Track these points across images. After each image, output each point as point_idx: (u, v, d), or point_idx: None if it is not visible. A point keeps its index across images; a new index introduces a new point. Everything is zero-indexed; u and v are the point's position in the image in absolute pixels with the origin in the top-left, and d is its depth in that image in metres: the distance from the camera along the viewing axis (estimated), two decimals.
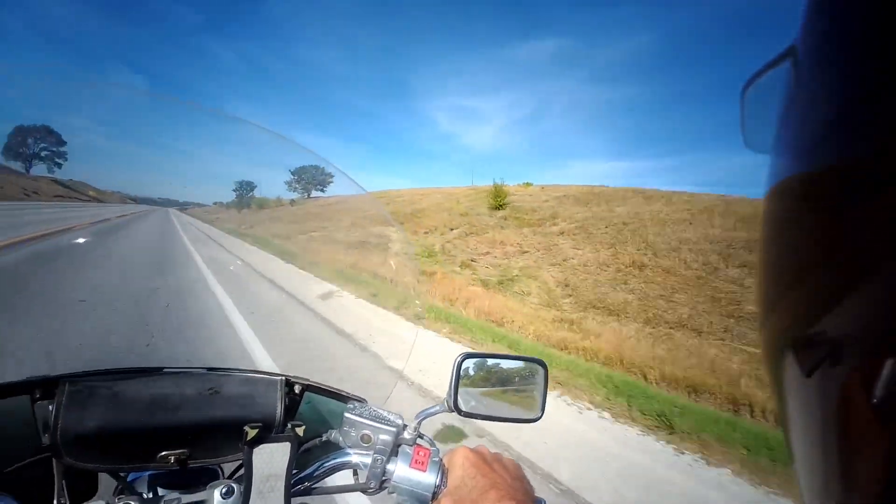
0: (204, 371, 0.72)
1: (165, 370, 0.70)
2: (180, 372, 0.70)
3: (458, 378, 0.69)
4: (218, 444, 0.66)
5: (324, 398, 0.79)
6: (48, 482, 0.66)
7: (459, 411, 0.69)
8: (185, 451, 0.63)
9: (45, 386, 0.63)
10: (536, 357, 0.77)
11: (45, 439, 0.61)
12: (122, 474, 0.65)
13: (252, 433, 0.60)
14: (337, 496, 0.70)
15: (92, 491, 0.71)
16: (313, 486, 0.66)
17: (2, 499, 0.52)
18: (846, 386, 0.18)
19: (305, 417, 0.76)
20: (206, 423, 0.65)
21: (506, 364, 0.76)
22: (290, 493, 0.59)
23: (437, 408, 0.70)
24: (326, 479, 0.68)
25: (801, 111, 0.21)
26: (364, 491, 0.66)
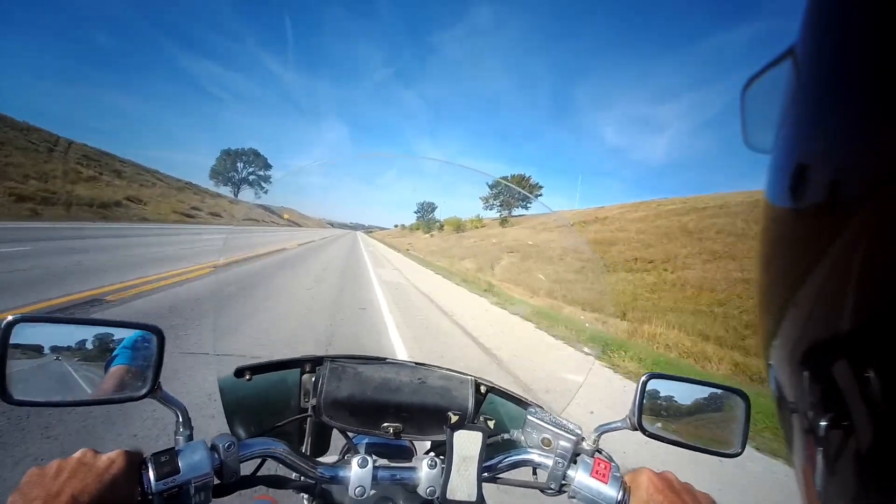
0: (413, 364, 0.87)
1: (388, 360, 0.87)
2: (399, 363, 0.87)
3: (643, 396, 0.67)
4: (424, 424, 0.78)
5: (504, 401, 0.87)
6: (301, 436, 0.87)
7: (644, 431, 0.67)
8: (399, 425, 0.77)
9: (313, 363, 0.85)
10: (736, 387, 0.69)
11: (310, 402, 0.80)
12: (351, 436, 0.81)
13: (454, 418, 0.72)
14: (514, 489, 0.75)
15: (326, 447, 0.91)
16: (497, 476, 0.72)
17: (278, 444, 0.66)
18: (841, 389, 0.18)
19: (489, 415, 0.84)
20: (416, 406, 0.79)
21: (698, 390, 0.70)
22: (481, 476, 0.66)
23: (619, 424, 0.69)
24: (508, 473, 0.73)
25: (800, 113, 0.20)
26: (543, 490, 0.70)
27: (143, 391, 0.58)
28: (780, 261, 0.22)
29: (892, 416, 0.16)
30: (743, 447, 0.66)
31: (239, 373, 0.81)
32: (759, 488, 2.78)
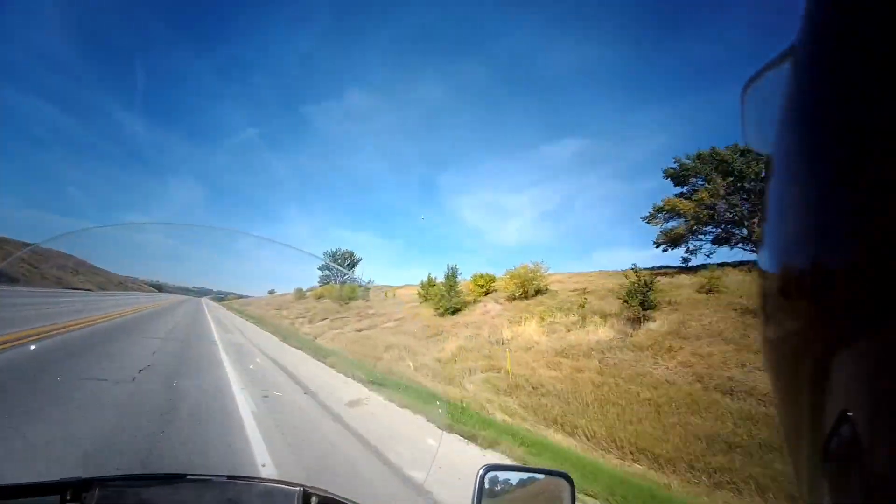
0: (224, 479, 0.71)
1: (189, 476, 0.70)
2: (202, 479, 0.70)
3: (482, 492, 0.66)
4: None
5: None
6: None
7: None
8: None
9: (77, 487, 0.63)
10: (562, 471, 0.73)
11: None
12: None
13: None
14: None
15: None
16: None
17: None
18: (843, 400, 0.17)
19: None
20: None
21: (529, 477, 0.72)
22: None
23: None
24: None
25: (800, 113, 0.21)
26: None
27: None
28: (779, 283, 0.21)
29: None
30: None
31: None
32: None
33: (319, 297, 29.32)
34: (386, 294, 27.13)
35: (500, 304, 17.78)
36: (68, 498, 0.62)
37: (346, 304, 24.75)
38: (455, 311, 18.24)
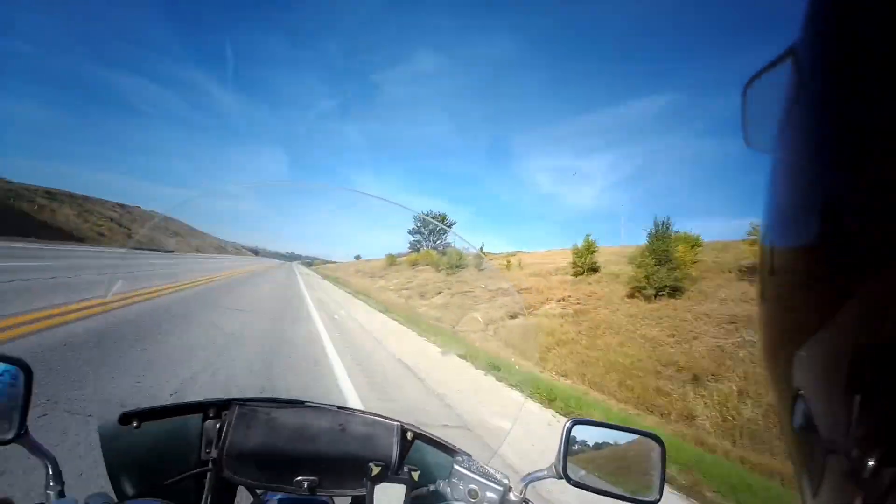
0: (335, 409, 0.81)
1: (307, 404, 0.80)
2: (319, 407, 0.80)
3: (568, 444, 0.67)
4: (343, 477, 0.72)
5: (432, 447, 0.82)
6: (198, 494, 0.77)
7: (569, 479, 0.67)
8: (315, 478, 0.70)
9: (218, 407, 0.76)
10: (653, 432, 0.71)
11: (211, 453, 0.71)
12: (259, 493, 0.73)
13: (376, 470, 0.66)
14: None
15: None
16: None
17: None
18: (843, 397, 0.17)
19: (414, 463, 0.79)
20: (335, 456, 0.73)
21: (617, 435, 0.72)
22: None
23: (545, 473, 0.68)
24: None
25: (800, 113, 0.20)
26: None
27: (8, 436, 0.51)
28: (778, 278, 0.21)
29: None
30: (660, 493, 0.67)
31: (125, 419, 0.71)
32: None
33: (414, 264, 26.39)
34: (508, 263, 21.26)
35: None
36: (211, 415, 0.75)
37: (454, 272, 20.85)
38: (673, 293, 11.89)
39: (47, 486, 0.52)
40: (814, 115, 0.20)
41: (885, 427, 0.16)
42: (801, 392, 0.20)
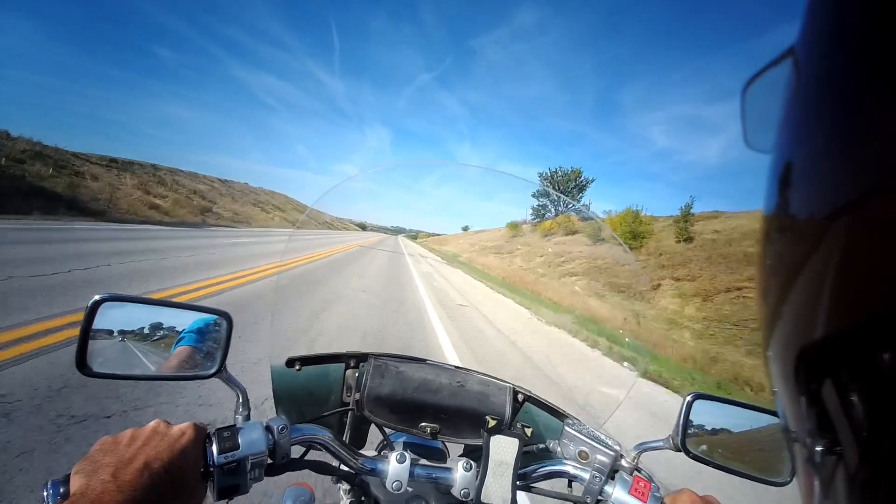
0: (453, 368, 0.90)
1: (429, 362, 0.91)
2: (439, 365, 0.90)
3: (687, 417, 0.66)
4: (460, 427, 0.81)
5: (541, 411, 0.87)
6: (339, 429, 0.90)
7: (688, 452, 0.66)
8: (436, 426, 0.79)
9: (357, 359, 0.89)
10: (775, 410, 0.65)
11: (353, 396, 0.85)
12: (388, 432, 0.83)
13: (492, 423, 0.73)
14: (547, 499, 0.74)
15: (363, 441, 0.94)
16: (531, 485, 0.73)
17: (325, 431, 0.69)
18: (843, 387, 0.17)
19: (525, 423, 0.85)
20: (454, 408, 0.81)
21: (744, 413, 0.68)
22: (515, 483, 0.66)
23: (661, 443, 0.68)
24: (543, 483, 0.74)
25: (800, 113, 0.20)
26: (579, 503, 0.69)
27: (212, 371, 0.62)
28: (776, 275, 0.22)
29: (878, 442, 0.16)
30: (792, 476, 0.63)
31: (290, 362, 0.87)
32: None
33: (546, 234, 21.37)
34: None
35: None
36: (352, 364, 0.89)
37: (600, 242, 15.76)
38: None
39: (237, 412, 0.63)
40: (814, 116, 0.19)
41: (826, 418, 0.18)
42: (776, 389, 0.22)
